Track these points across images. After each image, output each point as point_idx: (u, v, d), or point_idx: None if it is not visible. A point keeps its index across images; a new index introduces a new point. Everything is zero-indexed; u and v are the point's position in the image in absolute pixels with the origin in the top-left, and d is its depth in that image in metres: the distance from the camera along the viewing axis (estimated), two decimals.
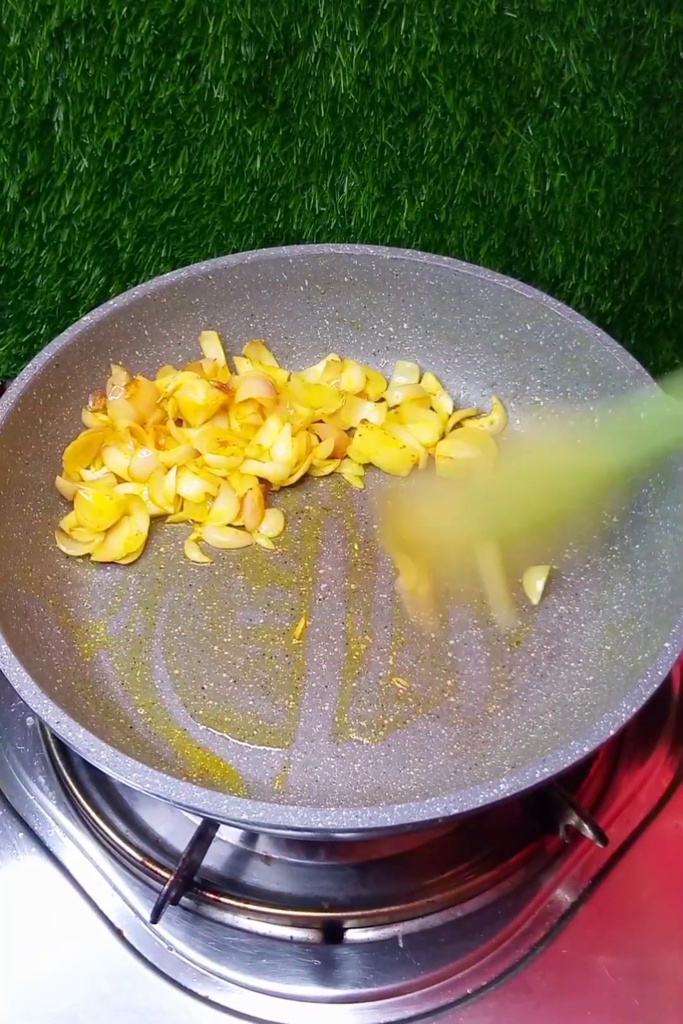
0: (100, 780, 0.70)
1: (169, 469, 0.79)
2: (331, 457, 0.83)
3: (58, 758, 0.71)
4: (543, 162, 0.87)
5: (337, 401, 0.84)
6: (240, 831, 0.67)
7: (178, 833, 0.67)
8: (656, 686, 0.57)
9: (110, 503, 0.77)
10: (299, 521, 0.80)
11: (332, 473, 0.84)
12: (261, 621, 0.73)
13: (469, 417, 0.86)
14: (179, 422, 0.82)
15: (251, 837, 0.67)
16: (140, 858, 0.65)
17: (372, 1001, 0.61)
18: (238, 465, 0.80)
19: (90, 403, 0.81)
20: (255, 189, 0.90)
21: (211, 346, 0.86)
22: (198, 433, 0.81)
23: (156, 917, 0.59)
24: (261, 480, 0.80)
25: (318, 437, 0.83)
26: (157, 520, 0.79)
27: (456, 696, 0.68)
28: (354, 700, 0.68)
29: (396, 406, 0.86)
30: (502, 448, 0.83)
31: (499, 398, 0.85)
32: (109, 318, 0.80)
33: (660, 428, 0.63)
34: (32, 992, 0.62)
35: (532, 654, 0.71)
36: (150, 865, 0.65)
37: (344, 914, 0.64)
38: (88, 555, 0.76)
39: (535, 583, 0.74)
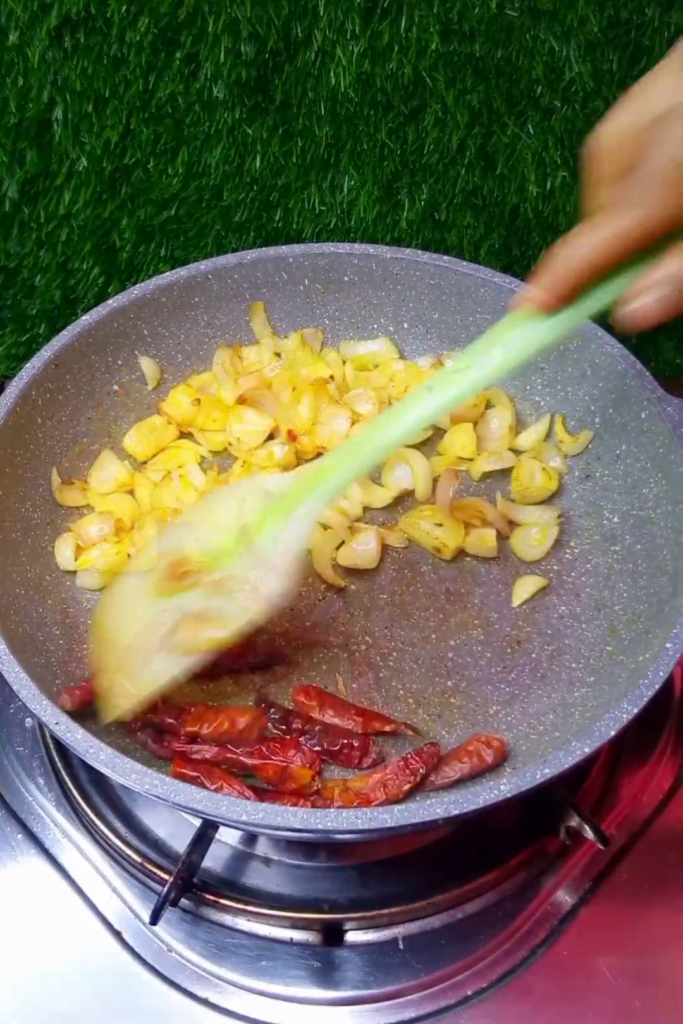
0: (99, 781, 0.69)
1: None
2: None
3: (57, 759, 0.70)
4: (544, 161, 0.87)
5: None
6: (240, 832, 0.67)
7: (177, 834, 0.67)
8: (657, 687, 0.57)
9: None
10: None
11: None
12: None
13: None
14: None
15: (251, 838, 0.67)
16: (139, 859, 0.65)
17: (372, 1003, 0.61)
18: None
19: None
20: (255, 188, 0.90)
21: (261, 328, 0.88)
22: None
23: (155, 919, 0.59)
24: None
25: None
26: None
27: (456, 697, 0.68)
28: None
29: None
30: None
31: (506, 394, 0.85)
32: (108, 317, 0.80)
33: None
34: (31, 993, 0.61)
35: (533, 655, 0.70)
36: (149, 867, 0.65)
37: (344, 916, 0.63)
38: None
39: (524, 588, 0.74)
